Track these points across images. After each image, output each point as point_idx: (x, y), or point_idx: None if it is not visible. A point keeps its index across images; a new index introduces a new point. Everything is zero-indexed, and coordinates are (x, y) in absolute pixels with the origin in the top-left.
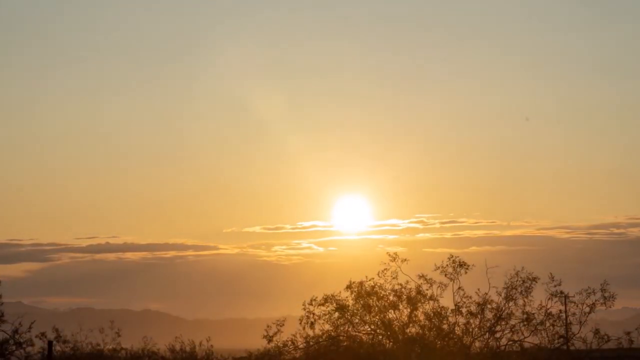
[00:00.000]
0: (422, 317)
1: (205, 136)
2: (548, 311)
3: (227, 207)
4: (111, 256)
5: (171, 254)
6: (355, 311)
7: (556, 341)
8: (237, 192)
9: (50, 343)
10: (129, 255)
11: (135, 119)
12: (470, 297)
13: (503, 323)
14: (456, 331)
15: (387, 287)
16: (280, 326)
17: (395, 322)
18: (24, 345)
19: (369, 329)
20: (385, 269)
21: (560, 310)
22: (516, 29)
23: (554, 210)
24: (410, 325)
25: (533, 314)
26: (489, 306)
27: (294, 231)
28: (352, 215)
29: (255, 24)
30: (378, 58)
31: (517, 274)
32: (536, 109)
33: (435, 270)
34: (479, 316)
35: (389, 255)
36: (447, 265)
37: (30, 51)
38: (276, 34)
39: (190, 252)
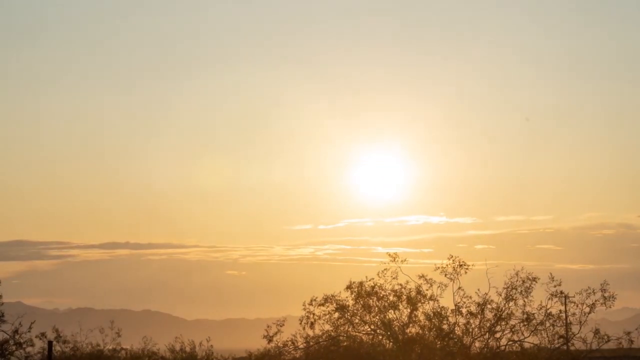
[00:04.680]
0: (422, 317)
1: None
2: (548, 311)
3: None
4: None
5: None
6: (355, 311)
7: (556, 341)
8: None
9: (50, 343)
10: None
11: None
12: (470, 297)
13: (503, 323)
14: (456, 331)
15: (387, 287)
16: (280, 326)
17: (395, 322)
18: (24, 346)
19: (369, 329)
20: (385, 269)
21: (560, 311)
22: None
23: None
24: (410, 325)
25: (533, 314)
26: (489, 306)
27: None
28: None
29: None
30: (385, 62)
31: (517, 274)
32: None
33: (435, 270)
34: (479, 316)
35: (389, 255)
36: (447, 265)
37: (51, 53)
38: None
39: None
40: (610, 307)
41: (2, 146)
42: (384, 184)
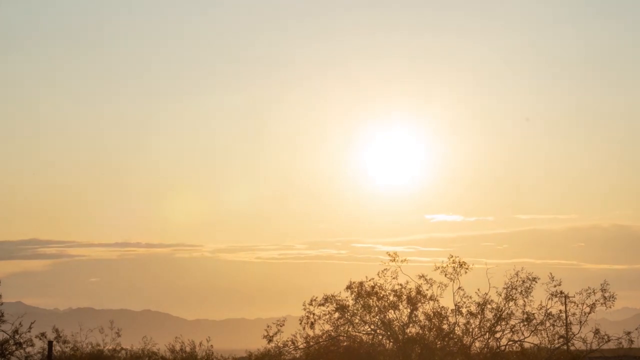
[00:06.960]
0: (422, 317)
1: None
2: (548, 311)
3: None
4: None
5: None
6: (355, 311)
7: (556, 341)
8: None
9: (50, 343)
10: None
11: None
12: (470, 297)
13: (503, 323)
14: (456, 331)
15: (387, 287)
16: (281, 326)
17: (395, 322)
18: (24, 345)
19: (369, 329)
20: (385, 269)
21: (560, 311)
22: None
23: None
24: (410, 325)
25: (533, 314)
26: (489, 306)
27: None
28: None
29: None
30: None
31: (517, 274)
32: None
33: (435, 270)
34: (479, 316)
35: (389, 255)
36: (447, 265)
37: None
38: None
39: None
40: (610, 307)
41: (16, 147)
42: (404, 181)
